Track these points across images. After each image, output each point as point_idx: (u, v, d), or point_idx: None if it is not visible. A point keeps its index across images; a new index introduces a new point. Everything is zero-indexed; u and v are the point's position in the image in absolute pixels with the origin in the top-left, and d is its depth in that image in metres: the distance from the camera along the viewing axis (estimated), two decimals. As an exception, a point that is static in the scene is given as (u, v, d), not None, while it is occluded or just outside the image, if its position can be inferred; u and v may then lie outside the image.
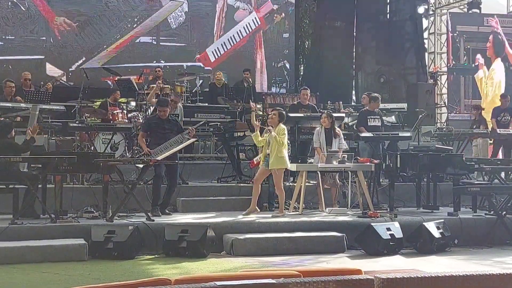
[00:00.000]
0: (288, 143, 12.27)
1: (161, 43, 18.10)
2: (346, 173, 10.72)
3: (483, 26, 18.68)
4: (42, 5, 16.90)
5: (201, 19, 18.53)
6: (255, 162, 10.99)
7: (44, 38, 16.91)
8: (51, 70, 16.61)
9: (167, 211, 10.25)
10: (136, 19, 17.81)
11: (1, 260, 8.00)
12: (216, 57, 18.47)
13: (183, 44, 18.34)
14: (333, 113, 11.72)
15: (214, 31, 18.62)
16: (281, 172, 10.34)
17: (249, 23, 18.97)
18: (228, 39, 18.72)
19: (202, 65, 18.29)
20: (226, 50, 18.65)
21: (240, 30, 18.86)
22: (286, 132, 10.42)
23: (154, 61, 17.77)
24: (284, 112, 10.78)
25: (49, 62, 16.93)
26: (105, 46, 17.47)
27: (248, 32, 18.94)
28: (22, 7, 16.77)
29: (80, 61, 17.17)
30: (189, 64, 17.95)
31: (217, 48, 18.57)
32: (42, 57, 16.89)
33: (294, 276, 3.84)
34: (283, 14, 19.41)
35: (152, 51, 18.02)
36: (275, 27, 19.38)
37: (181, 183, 11.23)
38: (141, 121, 12.12)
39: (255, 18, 19.03)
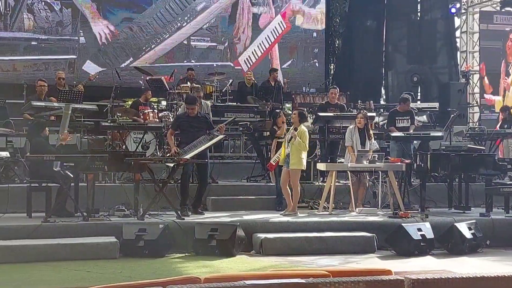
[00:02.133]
0: (317, 143, 12.32)
1: (191, 43, 18.18)
2: (377, 173, 10.69)
3: (492, 24, 18.45)
4: (90, 6, 17.19)
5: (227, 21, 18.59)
6: (273, 164, 10.95)
7: (76, 38, 17.09)
8: (94, 70, 16.80)
9: (199, 210, 10.29)
10: (186, 18, 17.98)
11: (34, 258, 8.11)
12: (249, 65, 18.48)
13: (214, 44, 18.39)
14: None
15: (238, 38, 18.59)
16: (299, 172, 10.37)
17: (275, 27, 18.92)
18: (258, 46, 18.69)
19: (232, 65, 18.33)
20: (257, 57, 18.65)
21: (268, 36, 18.83)
22: (307, 135, 10.41)
23: (185, 61, 17.85)
24: (304, 112, 10.78)
25: (94, 62, 17.14)
26: (153, 46, 17.67)
27: (275, 36, 18.91)
28: (55, 7, 16.97)
29: (127, 61, 17.36)
30: (219, 63, 17.99)
31: (249, 56, 18.57)
32: (75, 56, 17.07)
33: (324, 276, 3.84)
34: (304, 11, 19.31)
35: (183, 50, 18.11)
36: (305, 27, 19.33)
37: (210, 182, 11.27)
38: (171, 120, 12.18)
39: (280, 22, 18.98)
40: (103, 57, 17.27)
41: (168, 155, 10.36)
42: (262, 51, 18.73)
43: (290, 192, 10.36)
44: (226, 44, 18.43)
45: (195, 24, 18.13)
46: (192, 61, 17.85)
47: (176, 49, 18.00)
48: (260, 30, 18.77)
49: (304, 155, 10.30)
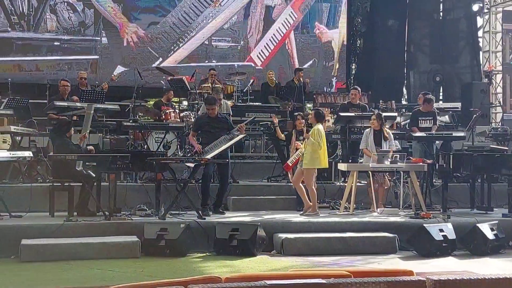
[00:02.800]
0: (338, 143, 12.29)
1: (212, 43, 18.23)
2: (398, 173, 10.64)
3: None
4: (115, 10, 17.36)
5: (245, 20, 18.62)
6: (290, 165, 10.94)
7: (98, 38, 17.22)
8: (122, 71, 16.97)
9: (220, 210, 10.31)
10: (207, 18, 18.06)
11: (56, 257, 8.17)
12: (262, 60, 18.46)
13: (235, 44, 18.42)
14: (383, 113, 11.62)
15: (249, 34, 18.57)
16: (312, 172, 10.33)
17: (286, 19, 18.85)
18: (270, 39, 18.65)
19: (253, 65, 18.35)
20: (270, 51, 18.62)
21: (279, 28, 18.77)
22: (323, 133, 10.37)
23: (206, 61, 17.90)
24: (321, 111, 10.75)
25: (122, 65, 17.28)
26: (177, 47, 17.80)
27: (287, 28, 18.85)
28: (77, 8, 17.11)
29: (157, 62, 17.48)
30: (240, 63, 18.01)
31: (261, 51, 18.55)
32: (97, 57, 17.20)
33: (345, 276, 3.83)
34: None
35: (205, 51, 18.17)
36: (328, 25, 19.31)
37: (231, 182, 11.29)
38: (193, 120, 12.22)
39: (291, 12, 18.91)
40: (130, 60, 17.38)
41: (190, 154, 10.38)
42: (274, 44, 18.68)
43: (303, 189, 10.35)
44: (242, 43, 18.45)
45: (216, 24, 18.19)
46: (213, 61, 17.90)
47: (198, 50, 18.07)
48: (272, 23, 18.72)
49: (318, 154, 10.26)
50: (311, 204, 10.25)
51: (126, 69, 17.16)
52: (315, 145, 10.19)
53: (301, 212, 10.33)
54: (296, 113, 11.79)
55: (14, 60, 16.68)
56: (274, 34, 18.68)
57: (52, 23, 16.93)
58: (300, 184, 10.40)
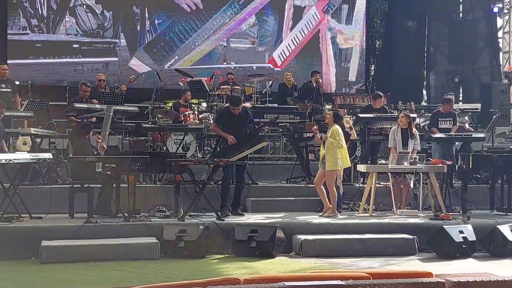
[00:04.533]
0: (357, 144, 12.26)
1: (231, 45, 18.25)
2: (418, 175, 10.59)
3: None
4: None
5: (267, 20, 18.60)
6: None
7: (117, 40, 17.30)
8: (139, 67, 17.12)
9: (239, 211, 10.31)
10: (228, 15, 18.13)
11: (76, 258, 8.22)
12: (282, 59, 18.44)
13: (253, 46, 18.43)
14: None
15: (283, 34, 18.62)
16: (335, 174, 10.27)
17: (309, 20, 18.81)
18: (292, 40, 18.63)
19: (271, 66, 18.34)
20: (291, 51, 18.60)
21: (302, 29, 18.75)
22: (340, 133, 10.32)
23: (225, 63, 17.91)
24: (339, 113, 10.73)
25: (139, 59, 17.39)
26: (194, 47, 17.88)
27: (309, 28, 18.81)
28: (96, 10, 17.22)
29: (171, 61, 17.57)
30: (258, 65, 18.01)
31: (283, 50, 18.54)
32: (116, 59, 17.29)
33: (363, 278, 3.82)
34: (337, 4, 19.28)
35: (222, 52, 18.19)
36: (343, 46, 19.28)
37: (250, 183, 11.29)
38: (211, 122, 12.23)
39: (315, 13, 18.87)
40: (148, 56, 17.46)
41: (213, 150, 10.37)
42: (296, 44, 18.65)
43: (324, 191, 10.33)
44: (260, 44, 18.46)
45: (234, 25, 18.21)
46: (232, 63, 17.89)
47: (216, 51, 18.09)
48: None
49: (340, 155, 10.23)
50: (331, 206, 10.23)
51: (145, 71, 17.23)
52: (335, 145, 10.15)
53: (320, 214, 10.31)
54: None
55: (33, 63, 16.80)
56: (296, 35, 18.65)
57: (71, 25, 17.04)
58: (322, 186, 10.37)
